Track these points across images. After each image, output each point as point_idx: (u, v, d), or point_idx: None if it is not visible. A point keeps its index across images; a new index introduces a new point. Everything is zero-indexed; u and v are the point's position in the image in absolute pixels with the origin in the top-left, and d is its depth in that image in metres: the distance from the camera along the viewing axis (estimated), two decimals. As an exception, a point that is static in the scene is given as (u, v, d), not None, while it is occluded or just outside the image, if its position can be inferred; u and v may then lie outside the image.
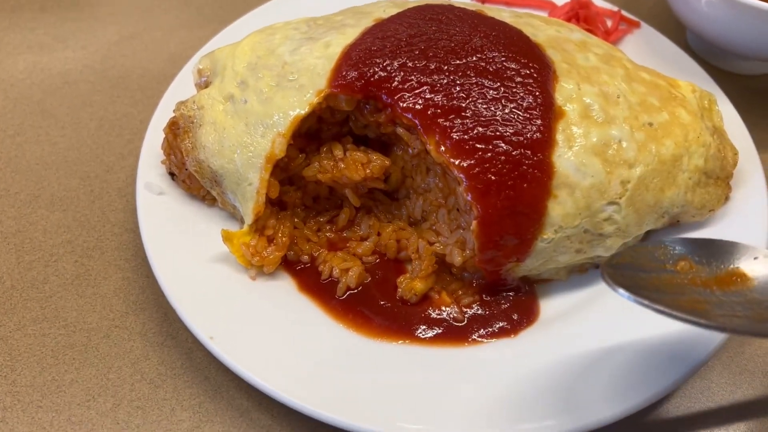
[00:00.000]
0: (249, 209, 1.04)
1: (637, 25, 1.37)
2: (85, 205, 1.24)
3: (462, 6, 1.14)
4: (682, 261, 0.86)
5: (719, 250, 0.88)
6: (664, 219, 1.05)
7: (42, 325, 1.08)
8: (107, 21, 1.59)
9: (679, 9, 1.35)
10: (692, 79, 1.22)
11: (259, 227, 1.06)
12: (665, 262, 0.86)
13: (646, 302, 0.76)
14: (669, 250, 0.87)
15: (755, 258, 0.86)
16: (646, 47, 1.35)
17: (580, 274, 1.08)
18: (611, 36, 1.35)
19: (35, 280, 1.14)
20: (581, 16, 1.35)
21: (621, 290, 0.77)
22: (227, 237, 1.03)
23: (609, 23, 1.38)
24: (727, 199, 1.10)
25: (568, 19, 1.35)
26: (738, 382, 1.04)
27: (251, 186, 1.03)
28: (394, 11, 1.12)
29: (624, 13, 1.39)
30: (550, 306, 1.05)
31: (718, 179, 1.08)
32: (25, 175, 1.28)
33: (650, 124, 1.04)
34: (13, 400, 1.01)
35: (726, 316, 0.80)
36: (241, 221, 1.09)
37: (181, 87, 1.25)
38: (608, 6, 1.41)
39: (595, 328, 1.00)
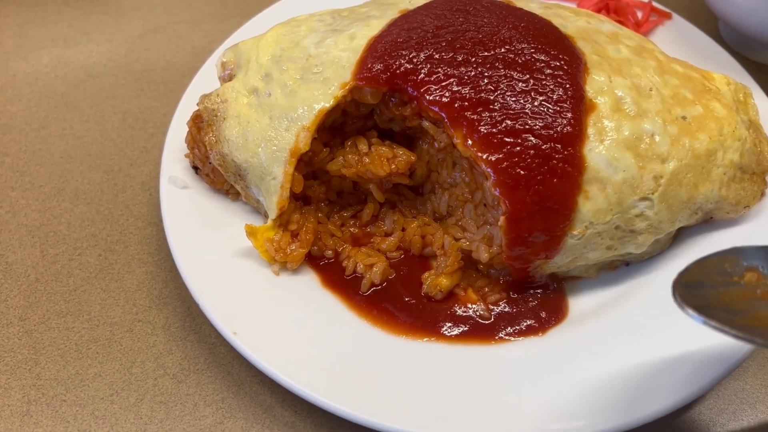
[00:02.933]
0: (273, 203, 1.03)
1: (668, 16, 1.34)
2: (109, 198, 1.23)
3: (489, -3, 1.11)
4: (749, 272, 0.82)
5: None
6: (697, 215, 1.02)
7: (66, 318, 1.08)
8: (131, 14, 1.59)
9: (711, 0, 1.31)
10: (726, 72, 1.19)
11: (283, 222, 1.05)
12: (733, 275, 0.81)
13: (719, 326, 0.72)
14: (736, 260, 0.82)
15: None
16: (678, 39, 1.31)
17: (610, 271, 1.06)
18: (642, 27, 1.32)
19: (59, 273, 1.14)
20: (611, 7, 1.32)
21: (692, 312, 0.73)
22: (251, 232, 1.02)
23: (639, 14, 1.34)
24: (763, 195, 1.07)
25: (598, 10, 1.32)
26: (774, 383, 1.01)
27: (275, 180, 1.02)
28: (420, 2, 1.10)
29: (655, 4, 1.35)
30: (579, 304, 1.03)
31: (754, 174, 1.05)
32: (50, 168, 1.28)
33: (684, 118, 1.01)
34: (37, 393, 1.01)
35: None
36: (265, 215, 1.08)
37: (205, 80, 1.24)
38: (638, -4, 1.37)
39: (626, 326, 0.98)
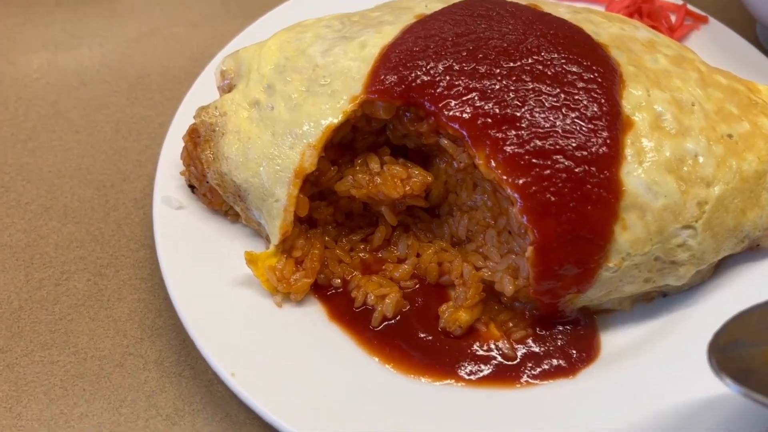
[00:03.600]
0: (275, 228, 0.94)
1: (704, 20, 1.25)
2: (100, 217, 1.15)
3: (514, 0, 1.02)
4: None
5: None
6: (743, 243, 0.94)
7: (51, 351, 1.00)
8: (126, 16, 1.51)
9: (749, 1, 1.21)
10: (766, 80, 1.10)
11: (286, 248, 0.96)
12: None
13: (761, 398, 0.65)
14: None
15: None
16: (715, 45, 1.22)
17: (645, 303, 0.97)
18: (676, 32, 1.23)
19: (45, 300, 1.05)
20: (644, 11, 1.22)
21: (729, 382, 0.66)
22: (251, 259, 0.94)
23: (673, 18, 1.25)
24: (815, 219, 0.97)
25: (630, 15, 1.22)
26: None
27: (278, 203, 0.93)
28: (437, 6, 1.01)
29: (690, 7, 1.26)
30: (612, 340, 0.94)
31: (806, 197, 0.95)
32: (37, 184, 1.20)
33: (730, 136, 0.92)
34: (17, 435, 0.92)
35: None
36: (267, 239, 0.99)
37: (204, 89, 1.16)
38: (671, -1, 1.28)
39: (662, 367, 0.90)
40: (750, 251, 0.97)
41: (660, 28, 1.21)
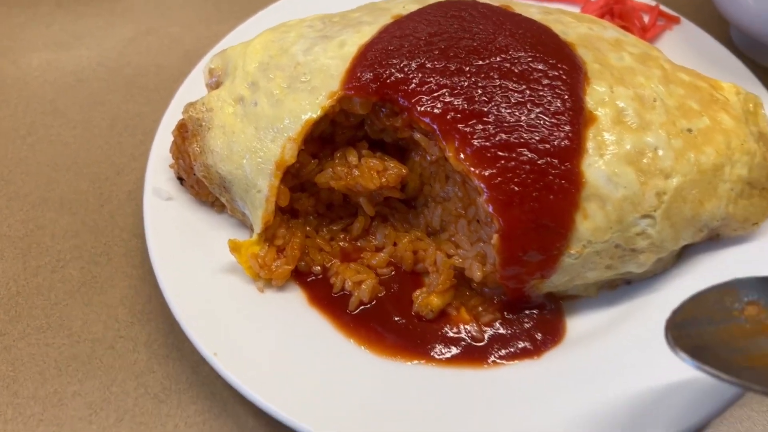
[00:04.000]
0: (258, 218, 0.99)
1: (676, 20, 1.29)
2: (94, 208, 1.21)
3: (487, 2, 1.07)
4: (751, 306, 0.77)
5: None
6: (702, 233, 0.98)
7: (46, 334, 1.06)
8: (125, 17, 1.56)
9: (722, 4, 1.26)
10: (737, 80, 1.14)
11: (268, 236, 1.01)
12: (732, 309, 0.77)
13: (713, 371, 0.68)
14: (736, 293, 0.78)
15: None
16: (687, 45, 1.27)
17: (610, 290, 1.01)
18: (648, 33, 1.27)
19: (41, 286, 1.11)
20: (616, 11, 1.27)
21: (685, 356, 0.70)
22: (234, 247, 0.99)
23: (646, 19, 1.29)
24: (773, 211, 1.02)
25: (602, 15, 1.27)
26: (782, 411, 0.96)
27: (260, 193, 0.98)
28: (414, 8, 1.06)
29: (662, 8, 1.30)
30: (577, 325, 0.99)
31: (764, 190, 1.00)
32: (35, 176, 1.26)
33: (689, 131, 0.96)
34: (14, 412, 0.98)
35: None
36: (251, 229, 1.04)
37: (194, 86, 1.21)
38: (645, 0, 1.32)
39: (625, 349, 0.94)
40: (711, 241, 1.02)
41: (632, 28, 1.25)
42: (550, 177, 0.88)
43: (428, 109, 0.92)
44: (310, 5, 1.27)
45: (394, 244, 1.05)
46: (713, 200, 0.96)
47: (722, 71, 1.19)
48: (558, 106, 0.91)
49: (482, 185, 0.89)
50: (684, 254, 1.02)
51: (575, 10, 1.29)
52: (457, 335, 0.97)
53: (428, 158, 0.99)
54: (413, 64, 0.95)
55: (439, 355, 0.95)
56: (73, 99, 1.38)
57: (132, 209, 1.20)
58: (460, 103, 0.92)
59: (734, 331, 0.75)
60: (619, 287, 1.01)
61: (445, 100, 0.92)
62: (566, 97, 0.92)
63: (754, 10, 1.20)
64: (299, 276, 1.03)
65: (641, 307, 0.98)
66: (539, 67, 0.94)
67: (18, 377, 1.01)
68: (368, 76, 0.95)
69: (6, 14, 1.56)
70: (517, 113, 0.91)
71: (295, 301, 1.00)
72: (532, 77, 0.93)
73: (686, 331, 0.73)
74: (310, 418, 0.85)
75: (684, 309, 0.76)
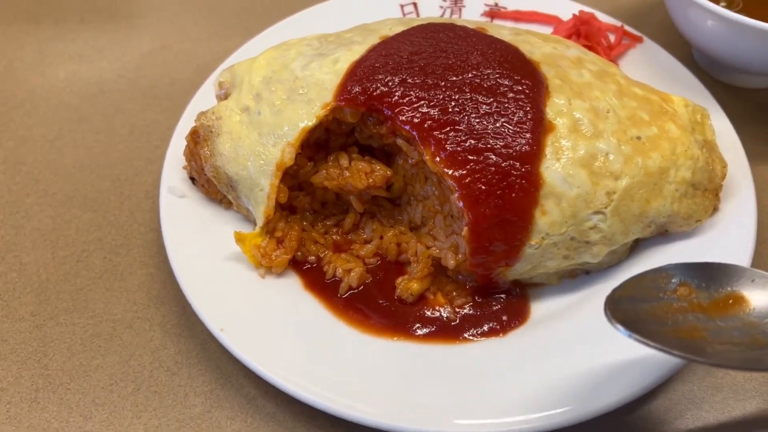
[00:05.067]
0: (260, 212, 1.12)
1: (639, 40, 1.42)
2: (115, 206, 1.34)
3: (464, 25, 1.20)
4: (683, 287, 0.89)
5: (717, 274, 0.90)
6: (650, 228, 1.10)
7: (72, 315, 1.19)
8: (142, 33, 1.70)
9: (683, 28, 1.38)
10: (691, 94, 1.27)
11: (269, 229, 1.14)
12: (665, 289, 0.89)
13: (642, 339, 0.79)
14: (669, 276, 0.89)
15: (753, 280, 0.89)
16: (648, 62, 1.38)
17: (570, 279, 1.14)
18: (614, 50, 1.39)
19: (68, 273, 1.24)
20: (582, 32, 1.40)
21: (619, 326, 0.80)
22: (239, 238, 1.12)
23: (612, 38, 1.42)
24: (715, 209, 1.14)
25: (570, 35, 1.40)
26: (720, 385, 1.08)
27: (263, 191, 1.11)
28: (399, 29, 1.19)
29: (627, 28, 1.43)
30: (540, 309, 1.11)
31: (706, 191, 1.12)
32: (63, 177, 1.39)
33: (638, 138, 1.09)
34: (44, 382, 1.11)
35: (723, 344, 0.83)
36: (254, 223, 1.18)
37: (204, 97, 1.33)
38: (613, 21, 1.45)
39: (581, 329, 1.05)
40: (661, 236, 1.14)
41: (597, 47, 1.38)
42: (513, 177, 1.01)
43: (408, 118, 1.05)
44: (309, 25, 1.40)
45: (381, 238, 1.18)
46: (659, 199, 1.08)
47: (679, 86, 1.31)
48: (521, 116, 1.04)
49: (454, 184, 1.02)
50: (637, 248, 1.15)
51: (549, 30, 1.43)
52: (433, 316, 1.09)
53: (410, 161, 1.12)
54: (396, 79, 1.08)
55: (417, 332, 1.07)
56: (96, 107, 1.52)
57: (149, 206, 1.33)
58: (435, 113, 1.05)
59: (666, 308, 0.87)
60: (579, 276, 1.14)
61: (423, 110, 1.05)
62: (528, 108, 1.05)
63: (712, 34, 1.30)
64: (296, 264, 1.16)
65: (597, 293, 1.10)
66: (505, 82, 1.07)
67: (48, 352, 1.14)
68: (357, 90, 1.09)
69: (34, 30, 1.70)
70: (485, 122, 1.04)
71: (292, 286, 1.13)
72: (499, 91, 1.06)
73: (623, 306, 0.85)
74: (305, 385, 0.98)
75: (623, 287, 0.87)
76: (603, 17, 1.46)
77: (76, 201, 1.35)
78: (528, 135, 1.03)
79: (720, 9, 1.23)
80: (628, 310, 0.85)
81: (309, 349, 1.04)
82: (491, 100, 1.05)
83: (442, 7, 1.51)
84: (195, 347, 1.14)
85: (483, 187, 1.01)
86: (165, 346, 1.14)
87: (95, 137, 1.46)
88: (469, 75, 1.08)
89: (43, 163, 1.42)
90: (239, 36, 1.65)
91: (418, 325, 1.08)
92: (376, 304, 1.11)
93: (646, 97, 1.15)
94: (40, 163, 1.42)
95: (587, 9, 1.46)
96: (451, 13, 1.50)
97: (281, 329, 1.06)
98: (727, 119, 1.27)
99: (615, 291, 0.87)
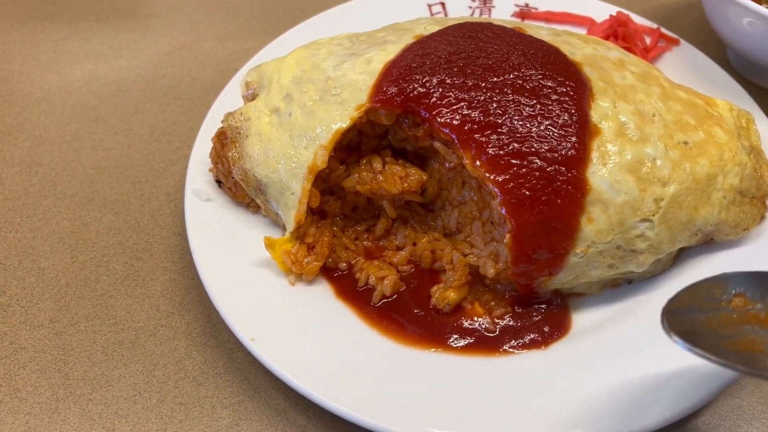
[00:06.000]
0: (291, 217, 1.08)
1: (676, 42, 1.38)
2: (136, 208, 1.30)
3: (501, 24, 1.16)
4: (737, 297, 0.85)
5: None
6: (697, 237, 1.06)
7: (93, 322, 1.14)
8: (159, 32, 1.66)
9: (719, 27, 1.36)
10: (732, 97, 1.23)
11: (300, 235, 1.10)
12: (721, 300, 0.85)
13: (703, 353, 0.76)
14: (725, 286, 0.86)
15: None
16: (685, 65, 1.36)
17: (612, 288, 1.10)
18: (650, 53, 1.36)
19: (88, 279, 1.20)
20: (620, 33, 1.36)
21: (678, 339, 0.77)
22: (269, 244, 1.08)
23: (648, 40, 1.39)
24: (762, 218, 1.11)
25: (607, 37, 1.36)
26: (769, 401, 1.04)
27: (293, 195, 1.08)
28: (434, 29, 1.16)
29: (663, 30, 1.40)
30: (582, 320, 1.07)
31: (754, 198, 1.09)
32: (81, 179, 1.35)
33: (685, 143, 1.05)
34: (65, 392, 1.06)
35: None
36: (283, 228, 1.14)
37: (230, 97, 1.30)
38: (647, 23, 1.42)
39: (626, 342, 1.02)
40: (706, 245, 1.11)
41: (635, 49, 1.34)
42: (558, 183, 0.97)
43: (447, 120, 1.02)
44: (335, 25, 1.37)
45: (414, 244, 1.14)
46: (707, 207, 1.04)
47: (718, 90, 1.28)
48: (565, 119, 1.00)
49: (496, 190, 0.98)
50: (681, 257, 1.11)
51: (582, 31, 1.39)
52: (471, 327, 1.05)
53: (446, 165, 1.09)
54: (434, 80, 1.04)
55: (455, 344, 1.03)
56: (115, 107, 1.48)
57: (171, 210, 1.29)
58: (476, 115, 1.01)
59: (722, 320, 0.83)
60: (621, 286, 1.10)
61: (463, 112, 1.02)
62: (573, 111, 1.01)
63: (749, 35, 1.29)
64: (327, 271, 1.12)
65: (641, 304, 1.07)
66: (548, 83, 1.03)
67: (68, 360, 1.10)
68: (393, 90, 1.05)
69: (50, 29, 1.67)
70: (528, 125, 1.00)
71: (323, 293, 1.09)
72: (542, 93, 1.03)
73: (680, 317, 0.81)
74: (337, 397, 0.94)
75: (678, 298, 0.84)
76: (636, 18, 1.42)
77: (95, 203, 1.31)
78: (573, 139, 0.99)
79: (761, 8, 1.20)
80: (684, 321, 0.82)
81: (342, 359, 1.00)
82: (534, 102, 1.02)
83: (470, 7, 1.47)
84: (222, 357, 1.10)
85: (527, 193, 0.97)
86: (190, 356, 1.10)
87: (114, 138, 1.42)
88: (511, 76, 1.04)
89: (61, 164, 1.38)
90: (259, 37, 1.64)
91: (455, 336, 1.04)
92: (411, 314, 1.07)
93: (690, 100, 1.12)
94: (57, 164, 1.38)
95: (622, 10, 1.42)
96: (480, 13, 1.47)
97: (313, 339, 1.02)
98: (769, 124, 1.23)
99: (671, 302, 0.83)
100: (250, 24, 1.70)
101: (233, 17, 1.71)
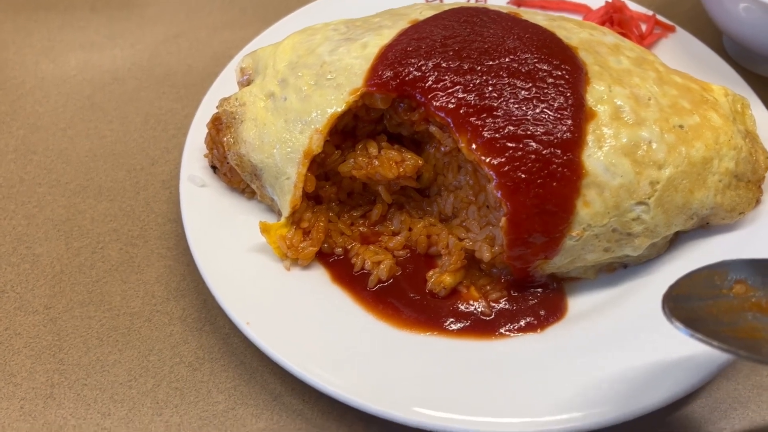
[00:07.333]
0: (286, 202, 1.08)
1: (671, 29, 1.38)
2: (131, 195, 1.29)
3: (497, 9, 1.16)
4: (738, 285, 0.85)
5: None
6: (693, 220, 1.06)
7: (88, 308, 1.14)
8: (154, 21, 1.66)
9: (715, 14, 1.35)
10: (727, 83, 1.23)
11: (295, 220, 1.10)
12: (722, 287, 0.84)
13: (705, 339, 0.76)
14: (725, 273, 0.85)
15: None
16: (681, 51, 1.35)
17: (608, 273, 1.10)
18: (645, 40, 1.36)
19: (83, 265, 1.20)
20: (615, 20, 1.36)
21: (680, 325, 0.77)
22: (265, 229, 1.08)
23: (644, 27, 1.38)
24: (758, 202, 1.11)
25: (603, 23, 1.36)
26: (765, 384, 1.04)
27: (289, 180, 1.07)
28: (429, 13, 1.15)
29: (659, 17, 1.40)
30: (578, 304, 1.07)
31: (749, 182, 1.09)
32: (75, 166, 1.34)
33: (681, 127, 1.05)
34: (60, 377, 1.06)
35: None
36: (279, 214, 1.13)
37: (225, 84, 1.29)
38: (643, 10, 1.41)
39: (622, 326, 1.01)
40: (701, 229, 1.11)
41: (630, 36, 1.34)
42: (554, 166, 0.97)
43: (443, 104, 1.01)
44: (331, 12, 1.36)
45: (410, 229, 1.14)
46: (702, 190, 1.04)
47: (714, 76, 1.27)
48: (561, 102, 1.00)
49: (492, 173, 0.98)
50: (676, 241, 1.11)
51: (578, 18, 1.39)
52: (467, 310, 1.05)
53: (442, 149, 1.08)
54: (430, 64, 1.04)
55: (450, 327, 1.03)
56: (109, 96, 1.47)
57: (166, 196, 1.29)
58: (472, 98, 1.01)
59: (723, 307, 0.83)
60: (617, 270, 1.10)
61: (459, 96, 1.01)
62: (568, 94, 1.01)
63: (745, 21, 1.29)
64: (322, 256, 1.12)
65: (636, 288, 1.06)
66: (544, 67, 1.03)
67: (63, 346, 1.10)
68: (389, 74, 1.05)
69: (44, 18, 1.66)
70: (524, 108, 1.00)
71: (319, 278, 1.09)
72: (537, 76, 1.02)
73: (680, 304, 0.80)
74: (332, 381, 0.94)
75: (679, 285, 0.83)
76: (632, 5, 1.42)
77: (90, 191, 1.30)
78: (569, 122, 0.99)
79: (758, -5, 1.20)
80: (685, 308, 0.81)
81: (338, 343, 1.00)
82: (530, 85, 1.01)
83: (466, -7, 1.47)
84: (217, 342, 1.10)
85: (523, 176, 0.97)
86: (186, 341, 1.10)
87: (109, 126, 1.42)
88: (506, 59, 1.04)
89: (55, 152, 1.37)
90: (254, 25, 1.63)
91: (451, 319, 1.04)
92: (407, 298, 1.07)
93: (686, 85, 1.12)
94: (51, 151, 1.37)
95: (616, -4, 1.42)
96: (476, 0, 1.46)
97: (309, 323, 1.02)
98: (765, 110, 1.23)
99: (672, 288, 0.83)
100: (245, 12, 1.69)
101: (229, 6, 1.70)
